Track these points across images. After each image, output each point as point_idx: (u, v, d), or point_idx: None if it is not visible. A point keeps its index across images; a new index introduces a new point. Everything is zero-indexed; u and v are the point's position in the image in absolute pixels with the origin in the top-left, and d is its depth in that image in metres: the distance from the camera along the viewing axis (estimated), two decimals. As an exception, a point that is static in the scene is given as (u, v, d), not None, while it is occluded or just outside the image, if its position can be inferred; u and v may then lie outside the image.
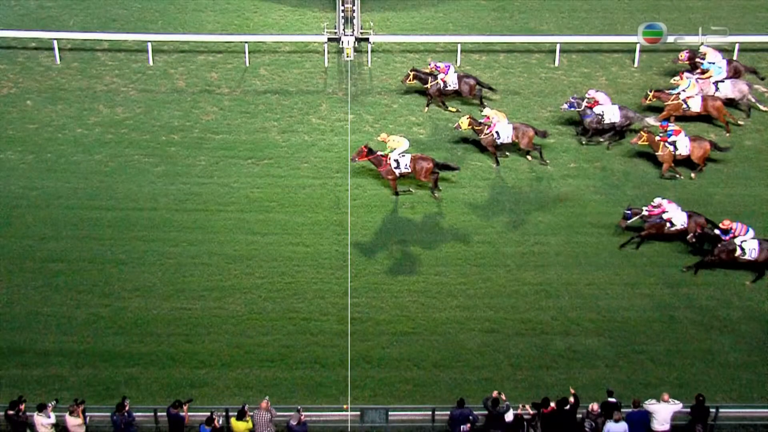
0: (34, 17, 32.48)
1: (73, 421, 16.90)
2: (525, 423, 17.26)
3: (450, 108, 27.29)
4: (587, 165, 25.12)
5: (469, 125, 24.84)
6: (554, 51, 30.01)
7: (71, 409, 16.89)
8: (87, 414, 17.14)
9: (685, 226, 21.71)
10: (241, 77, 29.35)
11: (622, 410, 17.08)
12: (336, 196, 23.88)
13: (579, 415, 17.29)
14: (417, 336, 19.83)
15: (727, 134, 26.05)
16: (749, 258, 20.96)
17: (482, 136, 24.87)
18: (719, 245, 21.06)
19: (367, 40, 30.33)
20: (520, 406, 17.35)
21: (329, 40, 30.35)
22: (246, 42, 30.03)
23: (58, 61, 29.88)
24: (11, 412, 16.91)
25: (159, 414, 17.56)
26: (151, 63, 29.82)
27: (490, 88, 27.83)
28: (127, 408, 16.93)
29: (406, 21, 32.76)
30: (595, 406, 17.07)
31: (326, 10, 32.98)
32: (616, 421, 16.78)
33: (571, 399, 17.19)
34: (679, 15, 32.48)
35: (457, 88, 27.18)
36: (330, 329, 19.89)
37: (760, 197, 23.88)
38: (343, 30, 30.43)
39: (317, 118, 27.17)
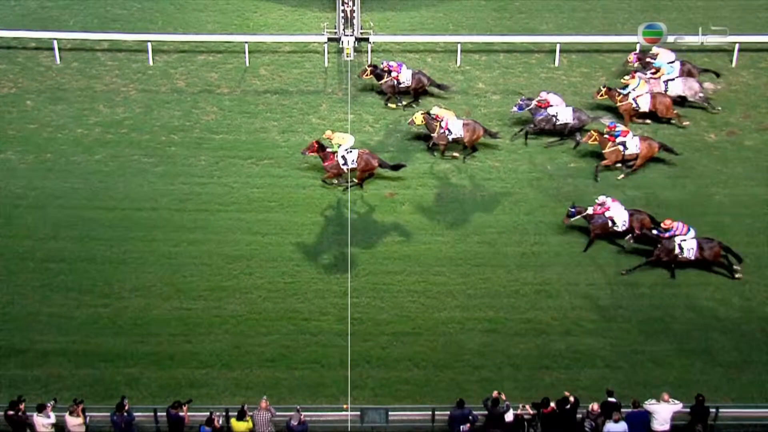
0: (34, 17, 32.44)
1: (73, 421, 16.90)
2: (525, 423, 17.26)
3: (390, 104, 27.54)
4: (587, 165, 25.11)
5: (422, 121, 25.04)
6: (554, 51, 30.01)
7: (71, 409, 16.88)
8: (87, 414, 17.12)
9: (626, 225, 21.72)
10: (241, 77, 29.35)
11: (622, 410, 17.08)
12: (336, 196, 23.89)
13: (579, 415, 17.29)
14: (417, 336, 19.83)
15: (685, 124, 26.30)
16: (688, 257, 20.97)
17: (435, 134, 25.02)
18: (659, 245, 21.10)
19: (367, 40, 30.33)
20: (520, 406, 17.35)
21: (329, 40, 30.34)
22: (246, 42, 30.02)
23: (58, 61, 29.87)
24: (11, 413, 16.90)
25: (159, 414, 17.55)
26: (151, 63, 29.82)
27: (444, 87, 27.94)
28: (126, 408, 16.93)
29: (406, 21, 32.74)
30: (595, 406, 17.07)
31: (326, 10, 32.96)
32: (616, 421, 16.77)
33: (572, 399, 17.19)
34: (679, 15, 32.46)
35: (410, 85, 27.50)
36: (330, 329, 19.90)
37: (760, 197, 23.87)
38: (343, 30, 30.42)
39: (317, 118, 27.17)
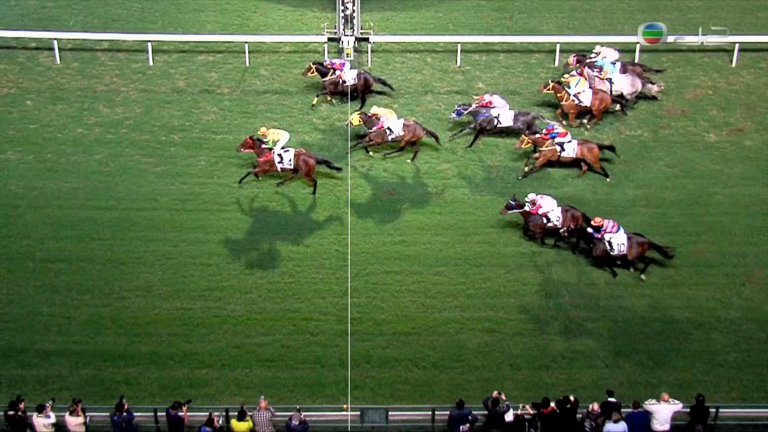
0: (34, 17, 32.50)
1: (73, 421, 16.89)
2: (525, 423, 17.25)
3: (315, 100, 27.56)
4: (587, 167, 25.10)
5: (359, 122, 25.11)
6: (554, 51, 30.03)
7: (71, 408, 16.87)
8: (87, 414, 17.11)
9: (561, 220, 21.85)
10: (241, 77, 29.36)
11: (622, 410, 17.07)
12: (336, 196, 23.88)
13: (579, 415, 17.29)
14: (417, 336, 19.82)
15: (587, 130, 26.30)
16: (619, 252, 21.07)
17: (373, 132, 25.12)
18: (593, 245, 21.29)
19: (367, 40, 30.34)
20: (520, 406, 17.35)
21: (329, 40, 30.37)
22: (246, 42, 30.04)
23: (58, 61, 29.89)
24: (11, 413, 16.90)
25: (159, 414, 17.54)
26: (151, 63, 29.83)
27: (390, 87, 28.03)
28: (125, 407, 16.92)
29: (406, 21, 32.77)
30: (595, 406, 17.06)
31: (326, 10, 33.00)
32: (616, 421, 16.76)
33: (572, 399, 17.18)
34: (679, 15, 32.53)
35: (355, 83, 27.49)
36: (330, 329, 19.89)
37: (760, 197, 23.87)
38: (343, 30, 30.44)
39: (317, 118, 27.17)
